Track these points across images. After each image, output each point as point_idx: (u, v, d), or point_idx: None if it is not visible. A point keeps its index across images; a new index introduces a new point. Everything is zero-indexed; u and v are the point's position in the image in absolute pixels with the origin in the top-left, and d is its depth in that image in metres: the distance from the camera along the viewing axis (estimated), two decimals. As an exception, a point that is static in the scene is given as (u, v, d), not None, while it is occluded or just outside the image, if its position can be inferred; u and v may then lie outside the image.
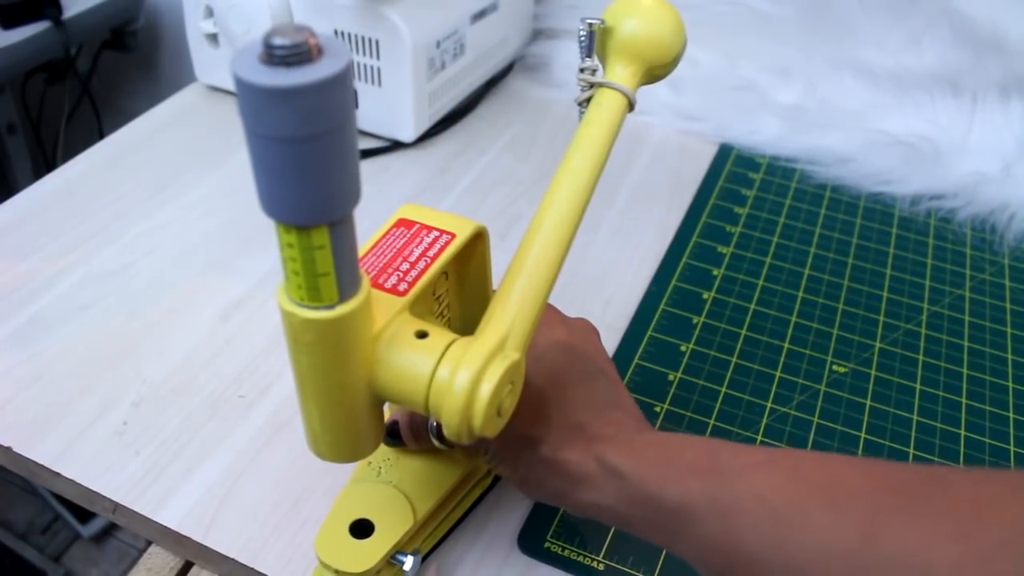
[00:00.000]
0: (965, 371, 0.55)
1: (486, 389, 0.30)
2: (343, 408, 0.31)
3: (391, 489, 0.41)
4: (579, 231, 0.36)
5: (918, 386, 0.54)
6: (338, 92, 0.23)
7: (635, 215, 0.66)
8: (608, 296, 0.59)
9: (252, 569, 0.42)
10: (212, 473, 0.46)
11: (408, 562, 0.39)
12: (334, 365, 0.30)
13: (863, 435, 0.50)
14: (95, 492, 0.45)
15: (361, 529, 0.39)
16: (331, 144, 0.24)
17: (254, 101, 0.23)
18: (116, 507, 0.45)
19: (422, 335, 0.31)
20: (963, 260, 0.64)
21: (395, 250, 0.34)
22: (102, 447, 0.46)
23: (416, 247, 0.34)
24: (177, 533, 0.43)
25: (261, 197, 0.25)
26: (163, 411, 0.49)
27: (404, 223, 0.36)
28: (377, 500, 0.40)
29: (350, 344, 0.29)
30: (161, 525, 0.43)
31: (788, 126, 0.74)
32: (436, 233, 0.35)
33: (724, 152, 0.74)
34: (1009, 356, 0.56)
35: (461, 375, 0.30)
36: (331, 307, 0.28)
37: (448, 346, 0.31)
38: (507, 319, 0.32)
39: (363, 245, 0.34)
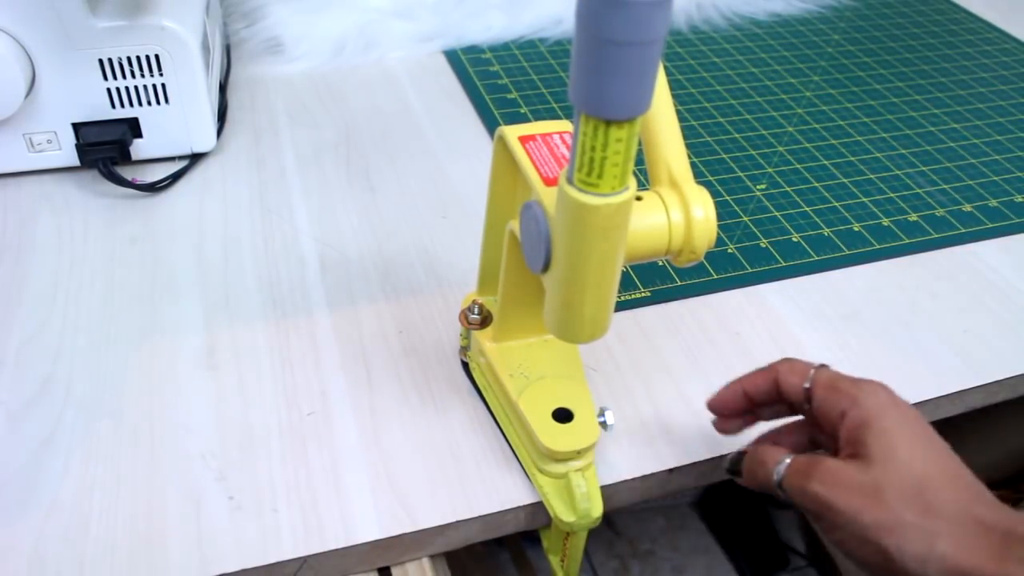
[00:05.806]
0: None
1: (712, 214, 0.38)
2: (616, 281, 0.37)
3: (548, 379, 0.46)
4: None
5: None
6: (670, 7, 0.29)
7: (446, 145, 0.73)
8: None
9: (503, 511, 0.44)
10: (356, 477, 0.45)
11: (608, 416, 0.45)
12: (622, 240, 0.35)
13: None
14: (270, 565, 0.42)
15: (562, 417, 0.44)
16: (660, 48, 0.30)
17: (629, 14, 0.28)
18: (304, 561, 0.43)
19: (637, 199, 0.38)
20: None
21: (553, 156, 0.39)
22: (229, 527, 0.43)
23: (559, 149, 0.39)
24: (387, 539, 0.43)
25: (611, 103, 0.30)
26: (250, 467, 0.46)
27: (526, 139, 0.40)
28: (550, 392, 0.45)
29: (629, 217, 0.35)
30: (362, 543, 0.43)
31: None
32: (556, 135, 0.40)
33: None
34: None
35: (696, 211, 0.37)
36: (627, 188, 0.33)
37: (662, 199, 0.38)
38: (684, 162, 0.39)
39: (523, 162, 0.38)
